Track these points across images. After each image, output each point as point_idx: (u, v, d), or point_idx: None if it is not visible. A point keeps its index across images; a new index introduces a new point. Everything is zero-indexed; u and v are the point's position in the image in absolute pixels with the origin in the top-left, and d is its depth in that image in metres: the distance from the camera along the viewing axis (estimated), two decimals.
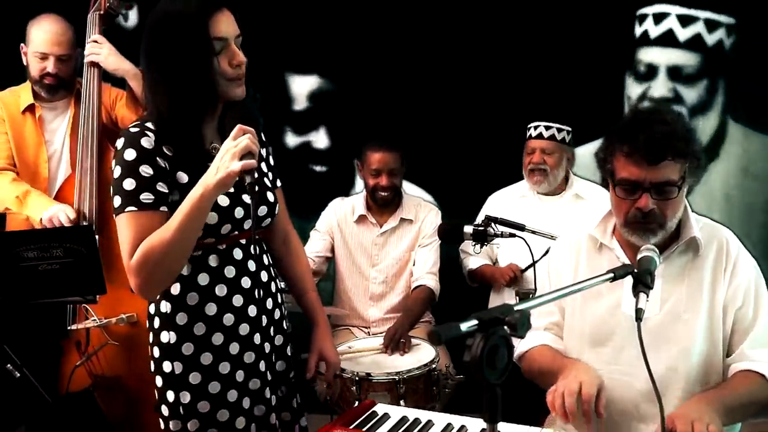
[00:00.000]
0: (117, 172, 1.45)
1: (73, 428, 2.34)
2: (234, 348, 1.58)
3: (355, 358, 2.47)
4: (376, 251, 2.88)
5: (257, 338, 1.61)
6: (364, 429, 1.50)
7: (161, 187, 1.46)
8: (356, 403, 2.19)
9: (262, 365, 1.62)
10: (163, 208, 1.46)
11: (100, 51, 2.47)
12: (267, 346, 1.64)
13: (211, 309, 1.55)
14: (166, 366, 1.56)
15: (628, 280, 1.39)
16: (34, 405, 2.17)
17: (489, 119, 3.28)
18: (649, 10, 3.13)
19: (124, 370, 2.39)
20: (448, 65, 3.32)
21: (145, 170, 1.44)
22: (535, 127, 2.83)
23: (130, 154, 1.44)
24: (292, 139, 3.58)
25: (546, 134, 2.80)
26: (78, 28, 2.59)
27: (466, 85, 3.31)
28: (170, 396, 1.57)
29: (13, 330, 2.24)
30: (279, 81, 3.54)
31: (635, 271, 1.38)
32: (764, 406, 1.55)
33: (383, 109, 3.38)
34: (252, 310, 1.60)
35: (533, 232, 2.17)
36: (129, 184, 1.44)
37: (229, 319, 1.56)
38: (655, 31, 3.10)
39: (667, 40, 3.10)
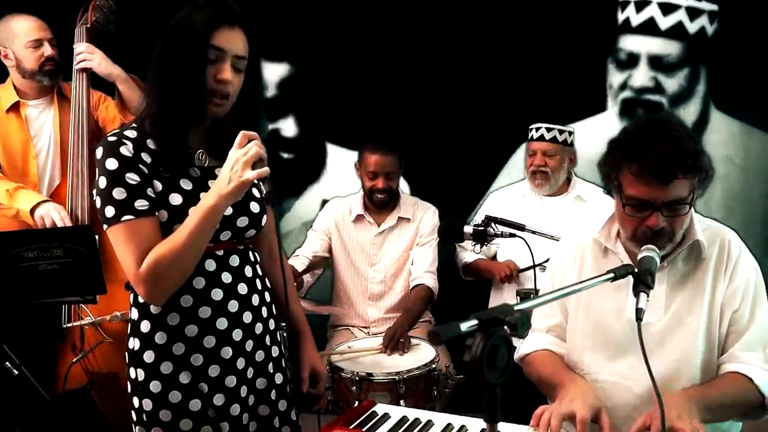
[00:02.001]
0: (102, 182, 1.43)
1: (70, 427, 2.34)
2: (197, 359, 1.53)
3: (355, 358, 2.47)
4: (375, 251, 2.88)
5: (226, 352, 1.55)
6: (364, 429, 1.50)
7: (150, 193, 1.45)
8: (356, 403, 2.19)
9: (231, 380, 1.57)
10: (157, 213, 1.45)
11: (92, 57, 2.55)
12: (241, 362, 1.58)
13: (174, 319, 1.51)
14: (131, 372, 1.56)
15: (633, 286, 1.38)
16: (31, 404, 2.17)
17: (470, 112, 3.27)
18: None
19: (119, 367, 2.38)
20: (424, 54, 3.30)
21: (132, 177, 1.43)
22: (537, 129, 2.82)
23: (111, 164, 1.42)
24: None
25: (548, 136, 2.79)
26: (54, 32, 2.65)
27: (443, 77, 3.29)
28: (135, 402, 1.56)
29: (9, 329, 2.24)
30: (250, 67, 3.53)
31: (636, 271, 1.37)
32: (749, 409, 1.54)
33: (369, 107, 3.37)
34: (221, 323, 1.54)
35: (533, 232, 2.17)
36: (119, 193, 1.42)
37: (192, 330, 1.52)
38: (636, 18, 3.08)
39: (649, 28, 3.08)
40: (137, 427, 1.56)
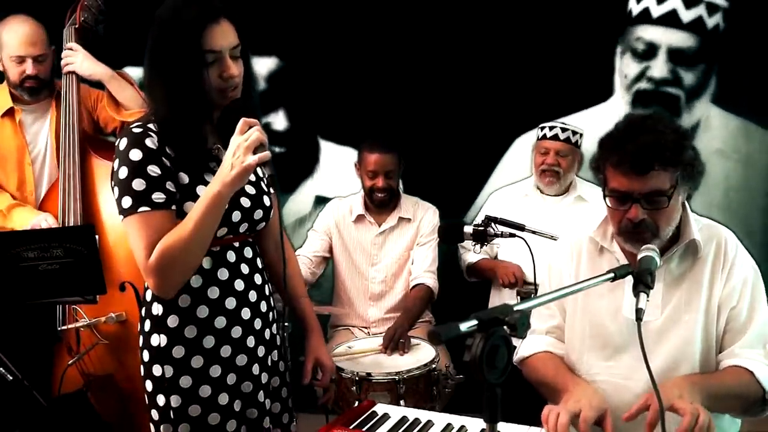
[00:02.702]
0: (123, 172, 1.44)
1: (68, 429, 2.34)
2: (226, 350, 1.56)
3: (355, 358, 2.47)
4: (375, 251, 2.88)
5: (251, 341, 1.60)
6: (364, 429, 1.50)
7: (170, 187, 1.46)
8: (356, 403, 2.19)
9: (255, 368, 1.61)
10: (173, 207, 1.47)
11: (74, 59, 2.51)
12: (261, 350, 1.63)
13: (203, 312, 1.53)
14: (156, 370, 1.55)
15: (630, 285, 1.38)
16: (28, 408, 2.17)
17: (463, 108, 3.25)
18: None
19: (115, 368, 2.41)
20: (416, 46, 3.26)
21: (153, 170, 1.44)
22: (551, 128, 2.80)
23: (135, 155, 1.44)
24: None
25: (562, 136, 2.77)
26: (50, 29, 2.59)
27: (434, 70, 3.26)
28: (161, 400, 1.55)
29: (5, 332, 2.24)
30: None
31: (635, 270, 1.38)
32: (749, 403, 1.54)
33: (361, 101, 3.35)
34: (246, 313, 1.59)
35: (533, 232, 2.17)
36: (139, 184, 1.43)
37: (221, 321, 1.54)
38: (657, 10, 3.06)
39: (670, 20, 3.05)
40: (162, 426, 1.55)
